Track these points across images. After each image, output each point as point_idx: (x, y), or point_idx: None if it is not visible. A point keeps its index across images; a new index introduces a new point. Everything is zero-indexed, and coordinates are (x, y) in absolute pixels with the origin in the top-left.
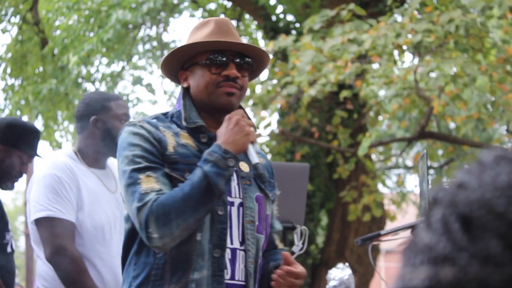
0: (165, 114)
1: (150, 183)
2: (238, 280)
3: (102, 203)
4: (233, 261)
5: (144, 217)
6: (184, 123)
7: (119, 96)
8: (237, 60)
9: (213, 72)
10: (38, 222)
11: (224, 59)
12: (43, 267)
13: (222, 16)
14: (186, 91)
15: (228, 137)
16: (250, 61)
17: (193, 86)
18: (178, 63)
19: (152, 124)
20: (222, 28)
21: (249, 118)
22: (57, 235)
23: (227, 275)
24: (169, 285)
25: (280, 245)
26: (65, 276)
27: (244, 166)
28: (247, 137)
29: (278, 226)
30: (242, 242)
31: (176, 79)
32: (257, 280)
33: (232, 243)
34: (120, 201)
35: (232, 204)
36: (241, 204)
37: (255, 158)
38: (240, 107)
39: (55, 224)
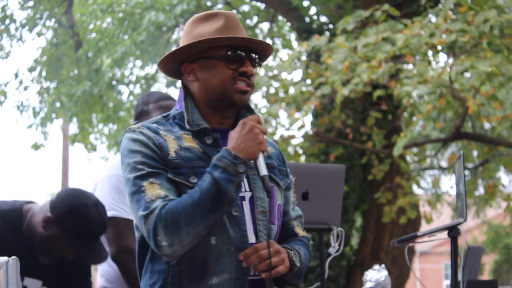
0: (165, 117)
1: (155, 190)
2: (255, 275)
3: None
4: None
5: (152, 225)
6: (187, 126)
7: (162, 96)
8: (252, 57)
9: (230, 68)
10: (111, 220)
11: (243, 55)
12: (105, 268)
13: (255, 18)
14: (186, 91)
15: (240, 143)
16: (257, 56)
17: (204, 80)
18: (182, 57)
19: (152, 129)
20: (233, 23)
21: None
22: (122, 235)
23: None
24: None
25: (301, 233)
26: (129, 275)
27: None
28: (259, 146)
29: (297, 212)
30: (256, 235)
31: (173, 73)
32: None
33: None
34: None
35: (243, 198)
36: (251, 197)
37: (263, 170)
38: (253, 112)
39: (121, 224)
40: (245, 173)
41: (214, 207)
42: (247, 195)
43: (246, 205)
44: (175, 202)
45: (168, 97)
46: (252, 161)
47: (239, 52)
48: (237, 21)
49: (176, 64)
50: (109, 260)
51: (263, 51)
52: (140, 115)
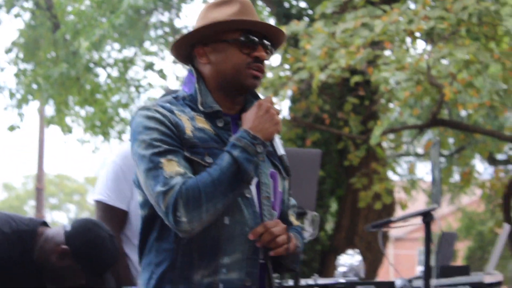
0: (176, 98)
1: (173, 167)
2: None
3: None
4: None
5: (173, 201)
6: (200, 108)
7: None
8: (265, 43)
9: (243, 52)
10: (96, 203)
11: (256, 40)
12: None
13: None
14: (198, 74)
15: (257, 124)
16: (270, 44)
17: (217, 63)
18: (194, 40)
19: (167, 108)
20: (248, 9)
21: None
22: (102, 220)
23: None
24: (197, 271)
25: (295, 222)
26: None
27: None
28: (276, 126)
29: (292, 201)
30: (261, 220)
31: (183, 57)
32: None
33: None
34: None
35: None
36: (258, 182)
37: (281, 149)
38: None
39: (106, 210)
40: (263, 153)
41: (233, 186)
42: (254, 180)
43: (253, 189)
44: (195, 179)
45: None
46: (269, 141)
47: (251, 36)
48: (252, 8)
49: (187, 48)
50: None
51: (276, 38)
52: None
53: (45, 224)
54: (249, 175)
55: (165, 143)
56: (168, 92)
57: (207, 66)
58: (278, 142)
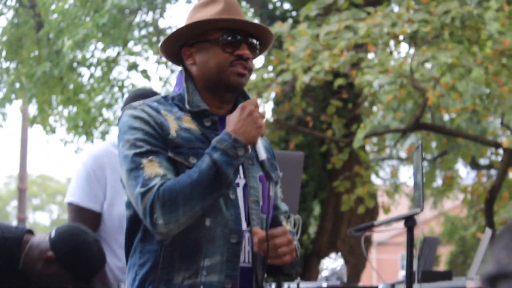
0: (165, 97)
1: (154, 168)
2: (245, 262)
3: None
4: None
5: (150, 203)
6: (187, 107)
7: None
8: (249, 41)
9: (226, 51)
10: (68, 206)
11: (239, 38)
12: None
13: None
14: (187, 73)
15: (239, 127)
16: (258, 42)
17: (201, 63)
18: (181, 41)
19: (153, 107)
20: (232, 7)
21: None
22: (75, 222)
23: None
24: (178, 272)
25: (287, 227)
26: None
27: None
28: (258, 130)
29: (284, 207)
30: (248, 223)
31: (173, 58)
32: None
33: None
34: None
35: (237, 185)
36: (245, 185)
37: (262, 154)
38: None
39: (77, 211)
40: (244, 156)
41: (212, 189)
42: (241, 182)
43: (239, 192)
44: (173, 181)
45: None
46: (250, 146)
47: (233, 34)
48: (237, 6)
49: (176, 48)
50: None
51: (264, 37)
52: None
53: (30, 232)
54: (228, 178)
55: (148, 143)
56: (138, 92)
57: (193, 66)
58: (260, 146)
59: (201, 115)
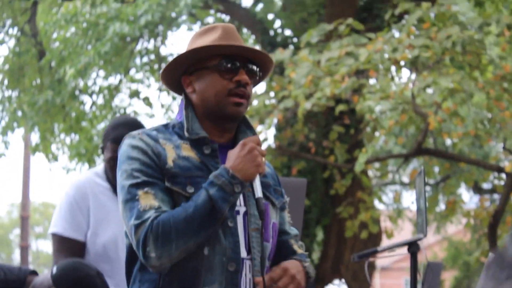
0: (165, 126)
1: (149, 200)
2: None
3: (110, 222)
4: (240, 271)
5: (143, 235)
6: (186, 134)
7: (121, 136)
8: (247, 67)
9: (224, 78)
10: (52, 237)
11: (237, 64)
12: None
13: None
14: (188, 101)
15: (238, 163)
16: (257, 69)
17: (200, 91)
18: (181, 69)
19: (152, 136)
20: (230, 34)
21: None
22: (59, 253)
23: None
24: None
25: (299, 250)
26: None
27: None
28: (257, 168)
29: (293, 231)
30: (249, 251)
31: (174, 87)
32: None
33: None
34: None
35: (237, 213)
36: (246, 213)
37: (259, 192)
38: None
39: (61, 242)
40: (241, 193)
41: (206, 224)
42: (242, 209)
43: (239, 219)
44: (168, 215)
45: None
46: (248, 182)
47: (231, 61)
48: (234, 32)
49: (176, 77)
50: None
51: (263, 63)
52: (102, 149)
53: (34, 273)
54: (223, 214)
55: (145, 174)
56: (118, 120)
57: (193, 94)
58: (258, 184)
59: (201, 143)
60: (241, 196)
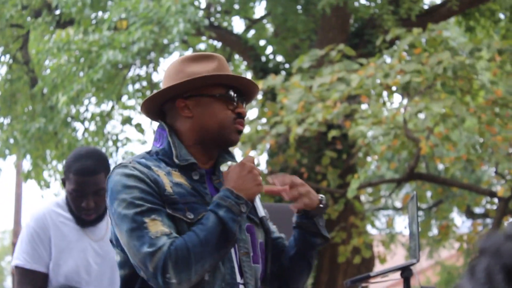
0: (148, 153)
1: (158, 226)
2: None
3: (72, 252)
4: None
5: (162, 262)
6: (176, 161)
7: (84, 167)
8: (243, 99)
9: (229, 108)
10: (14, 269)
11: (241, 97)
12: None
13: None
14: (170, 128)
15: (240, 184)
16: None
17: (200, 117)
18: (170, 95)
19: (143, 164)
20: (225, 65)
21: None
22: (22, 285)
23: None
24: None
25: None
26: None
27: None
28: (258, 187)
29: (281, 235)
30: (241, 276)
31: (153, 112)
32: None
33: None
34: (106, 248)
35: None
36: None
37: (261, 211)
38: (232, 154)
39: (24, 274)
40: (246, 213)
41: (220, 246)
42: None
43: None
44: (183, 240)
45: (88, 172)
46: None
47: (234, 92)
48: (227, 64)
49: (158, 102)
50: None
51: (251, 93)
52: (63, 181)
53: None
54: (234, 235)
55: (147, 202)
56: (80, 151)
57: (188, 119)
58: (259, 203)
59: (189, 169)
60: None
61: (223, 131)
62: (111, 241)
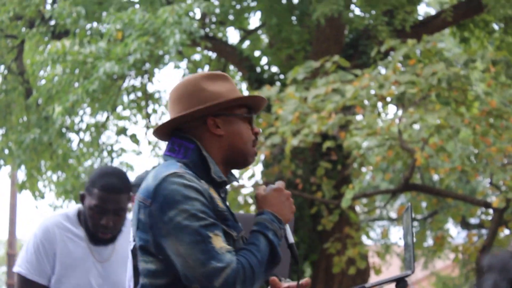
0: (183, 165)
1: (220, 242)
2: None
3: (76, 271)
4: None
5: (232, 279)
6: (214, 177)
7: (110, 184)
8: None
9: (249, 128)
10: (16, 275)
11: (253, 117)
12: None
13: (206, 67)
14: (197, 144)
15: (280, 209)
16: None
17: (230, 136)
18: (200, 114)
19: (193, 175)
20: (234, 85)
21: None
22: None
23: None
24: None
25: None
26: None
27: None
28: (292, 214)
29: None
30: None
31: (167, 130)
32: None
33: None
34: (109, 270)
35: None
36: None
37: (291, 238)
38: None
39: (26, 283)
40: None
41: (270, 267)
42: None
43: None
44: (245, 259)
45: (113, 190)
46: None
47: (252, 113)
48: None
49: (188, 120)
50: None
51: (258, 110)
52: (83, 196)
53: None
54: (280, 257)
55: (209, 216)
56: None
57: (217, 137)
58: (289, 230)
59: (218, 186)
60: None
61: (246, 151)
62: (141, 248)
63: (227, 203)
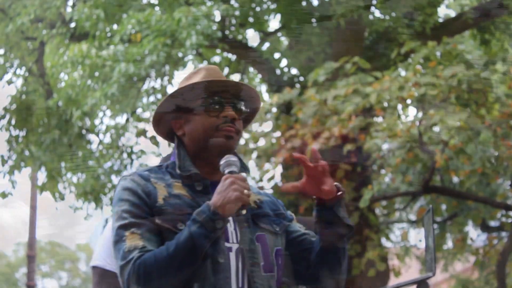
0: (159, 167)
1: (134, 240)
2: None
3: None
4: None
5: (126, 276)
6: (178, 171)
7: None
8: (234, 103)
9: (211, 115)
10: (92, 269)
11: (221, 100)
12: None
13: (226, 69)
14: (179, 141)
15: (218, 199)
16: (243, 103)
17: (190, 132)
18: (169, 116)
19: (143, 176)
20: (213, 74)
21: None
22: (101, 285)
23: None
24: None
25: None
26: None
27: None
28: (236, 202)
29: (308, 232)
30: (249, 286)
31: (166, 135)
32: None
33: None
34: None
35: (230, 249)
36: (239, 249)
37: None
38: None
39: (103, 274)
40: (223, 228)
41: (188, 262)
42: (234, 246)
43: (232, 256)
44: (150, 254)
45: None
46: (231, 216)
47: (215, 98)
48: (218, 72)
49: (166, 124)
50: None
51: (249, 97)
52: None
53: None
54: (203, 251)
55: (132, 215)
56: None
57: (184, 137)
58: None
59: (193, 179)
60: (234, 233)
61: (209, 139)
62: None
63: (210, 196)
